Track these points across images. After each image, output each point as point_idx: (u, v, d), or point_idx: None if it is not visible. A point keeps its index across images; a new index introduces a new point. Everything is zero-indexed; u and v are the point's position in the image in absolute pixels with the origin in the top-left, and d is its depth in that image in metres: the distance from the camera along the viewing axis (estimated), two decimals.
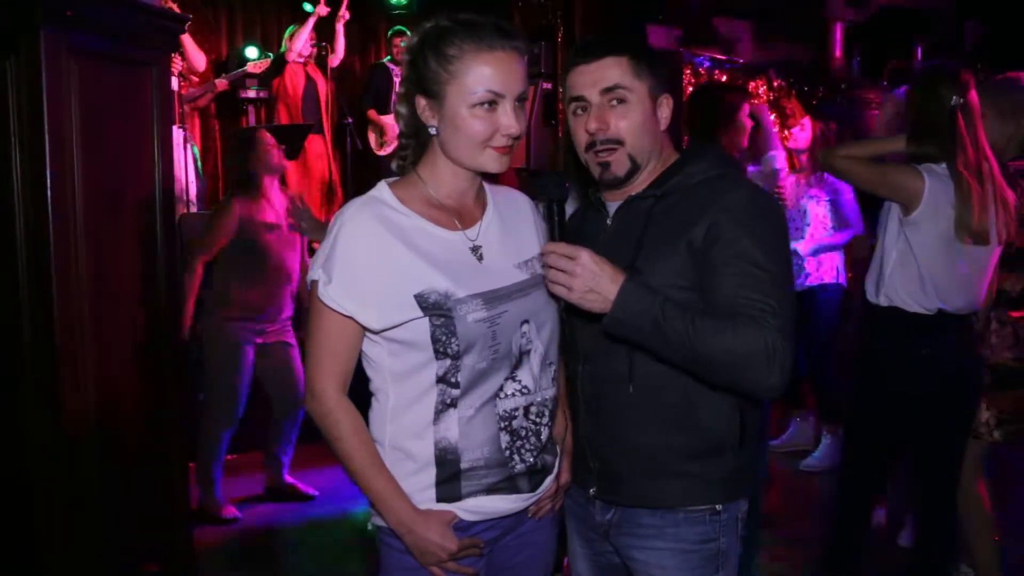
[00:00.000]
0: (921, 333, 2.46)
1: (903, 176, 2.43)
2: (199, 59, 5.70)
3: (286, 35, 6.22)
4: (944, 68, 2.47)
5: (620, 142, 1.54)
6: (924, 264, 2.43)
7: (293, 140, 5.45)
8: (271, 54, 6.32)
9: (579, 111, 1.57)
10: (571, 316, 1.53)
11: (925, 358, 2.46)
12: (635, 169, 1.56)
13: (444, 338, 1.42)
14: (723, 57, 5.84)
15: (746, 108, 3.10)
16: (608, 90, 1.52)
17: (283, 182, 4.21)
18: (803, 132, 4.09)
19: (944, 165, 2.41)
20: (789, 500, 3.77)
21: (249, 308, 3.66)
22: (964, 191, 2.36)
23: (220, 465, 3.75)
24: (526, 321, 1.50)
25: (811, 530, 3.28)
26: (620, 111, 1.53)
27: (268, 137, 3.71)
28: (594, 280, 1.40)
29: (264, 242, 3.62)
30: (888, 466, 2.72)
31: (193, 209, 5.33)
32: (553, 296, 1.48)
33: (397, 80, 6.17)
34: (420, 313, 1.42)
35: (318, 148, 6.27)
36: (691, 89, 5.63)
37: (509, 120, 1.42)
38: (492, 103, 1.41)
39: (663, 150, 1.61)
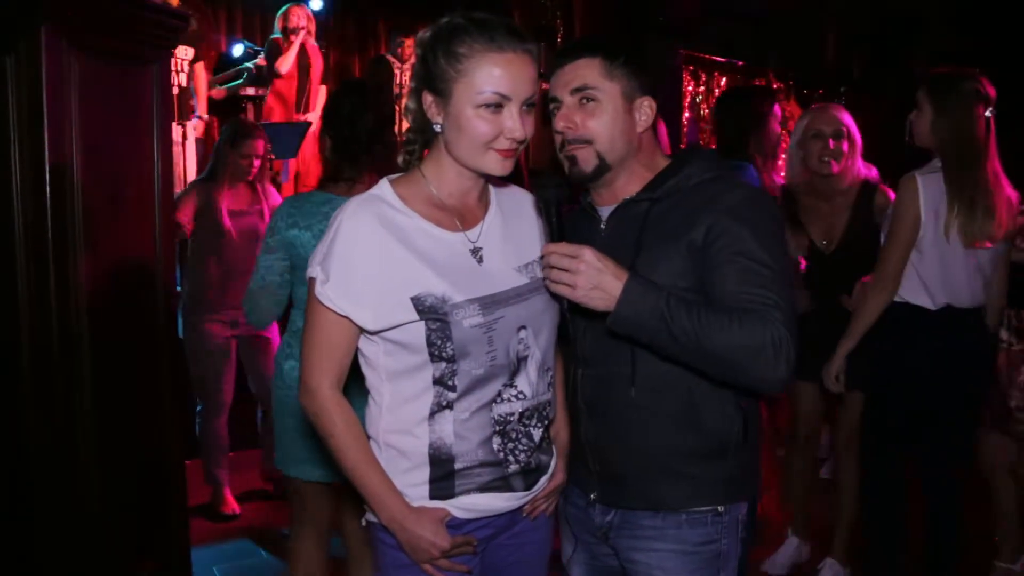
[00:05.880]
0: (930, 327, 2.54)
1: (905, 208, 2.49)
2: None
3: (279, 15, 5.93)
4: (974, 80, 2.49)
5: (588, 141, 1.55)
6: (929, 262, 2.51)
7: (291, 138, 5.42)
8: (261, 49, 6.23)
9: (555, 111, 1.59)
10: (574, 316, 1.52)
11: (937, 351, 2.54)
12: (604, 168, 1.56)
13: (439, 342, 1.42)
14: (723, 59, 5.85)
15: (777, 113, 3.07)
16: (577, 90, 1.54)
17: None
18: None
19: (939, 164, 2.48)
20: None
21: (213, 297, 3.62)
22: (977, 200, 2.43)
23: (220, 460, 3.75)
24: (523, 327, 1.49)
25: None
26: (589, 110, 1.54)
27: (249, 148, 3.60)
28: (598, 277, 1.40)
29: (227, 231, 3.57)
30: (906, 457, 2.75)
31: None
32: (555, 297, 1.47)
33: (398, 74, 6.13)
34: (416, 316, 1.41)
35: (313, 147, 6.25)
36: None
37: (514, 123, 1.41)
38: (498, 105, 1.40)
39: (645, 152, 1.60)
